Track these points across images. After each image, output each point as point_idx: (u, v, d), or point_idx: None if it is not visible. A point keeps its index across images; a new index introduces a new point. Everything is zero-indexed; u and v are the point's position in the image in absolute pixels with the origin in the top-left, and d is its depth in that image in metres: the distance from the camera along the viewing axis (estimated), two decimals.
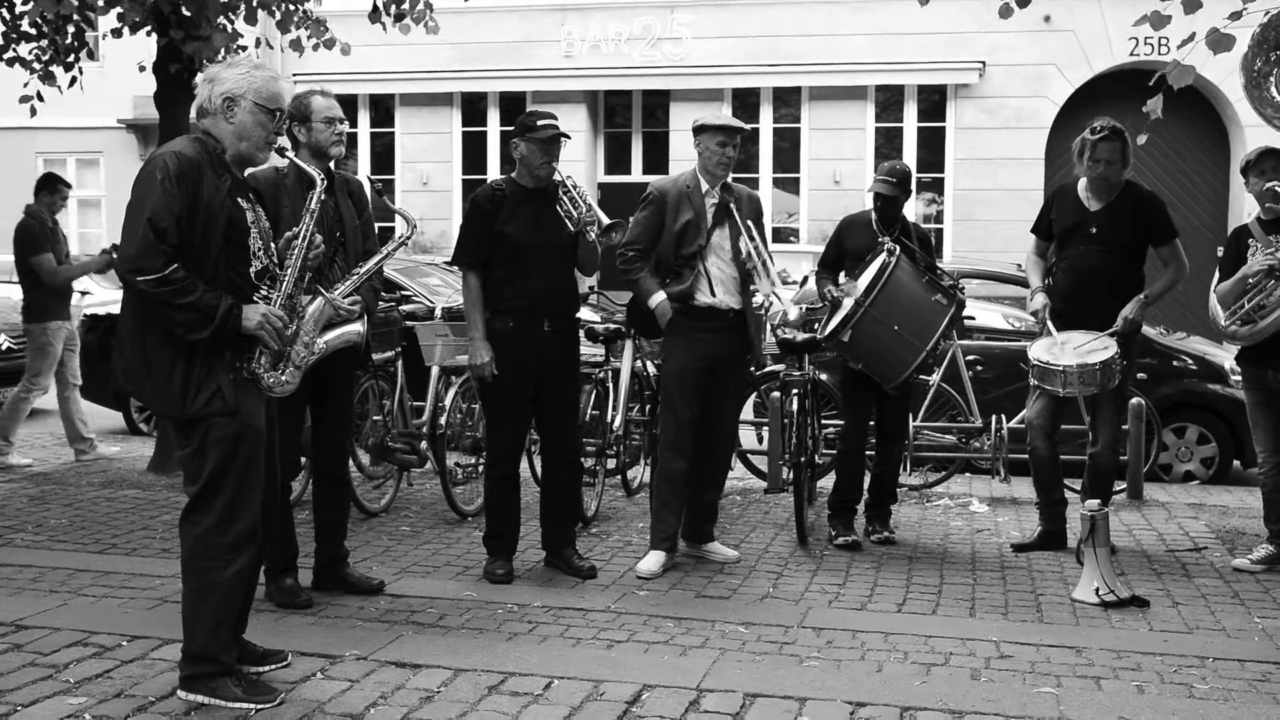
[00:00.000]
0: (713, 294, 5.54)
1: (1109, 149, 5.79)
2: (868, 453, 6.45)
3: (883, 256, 5.83)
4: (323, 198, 4.06)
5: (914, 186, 6.38)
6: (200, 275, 3.63)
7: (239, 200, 3.78)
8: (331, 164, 5.00)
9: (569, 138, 5.48)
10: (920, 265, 5.96)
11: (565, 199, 5.36)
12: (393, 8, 8.47)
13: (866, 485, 6.35)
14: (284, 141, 4.02)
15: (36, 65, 8.47)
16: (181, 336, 3.62)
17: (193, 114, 3.93)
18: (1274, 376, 5.65)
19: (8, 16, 8.24)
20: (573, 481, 5.69)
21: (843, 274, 6.23)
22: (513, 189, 5.34)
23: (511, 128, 5.45)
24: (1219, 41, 5.14)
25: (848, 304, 5.86)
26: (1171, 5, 5.39)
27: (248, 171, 4.06)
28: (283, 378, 3.85)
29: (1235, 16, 5.35)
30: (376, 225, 5.38)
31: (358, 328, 4.75)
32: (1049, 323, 5.91)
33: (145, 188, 3.62)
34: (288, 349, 3.85)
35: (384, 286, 5.56)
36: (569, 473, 5.60)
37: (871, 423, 6.40)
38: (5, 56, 8.41)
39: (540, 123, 5.28)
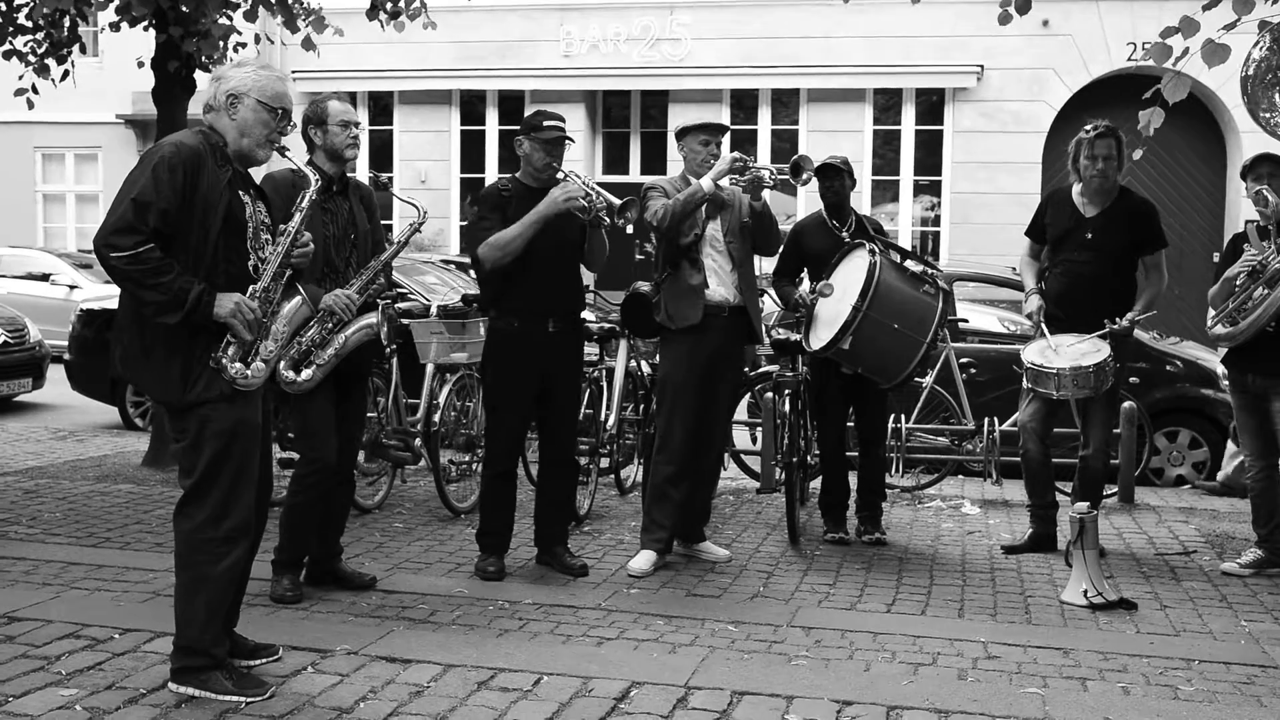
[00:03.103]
0: (707, 284, 5.56)
1: (1106, 145, 5.82)
2: (851, 454, 6.47)
3: (864, 256, 5.83)
4: (314, 198, 4.07)
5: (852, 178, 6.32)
6: (198, 264, 3.65)
7: (239, 193, 3.81)
8: (345, 168, 5.03)
9: (573, 141, 5.46)
10: (893, 258, 5.98)
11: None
12: (389, 5, 8.46)
13: (855, 486, 6.37)
14: (285, 141, 4.03)
15: (32, 58, 8.47)
16: (152, 319, 3.62)
17: (197, 109, 3.96)
18: (1254, 380, 5.67)
19: (4, 9, 8.24)
20: (568, 480, 5.68)
21: (804, 280, 6.24)
22: (517, 189, 5.34)
23: (510, 126, 5.45)
24: (1214, 53, 5.15)
25: (827, 308, 5.86)
26: (1171, 32, 5.40)
27: (265, 172, 4.07)
28: (248, 371, 3.74)
29: (1230, 27, 5.37)
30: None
31: (373, 319, 4.78)
32: (1042, 325, 5.94)
33: (139, 171, 3.66)
34: (258, 342, 3.78)
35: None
36: (564, 471, 5.60)
37: (850, 424, 6.42)
38: (2, 50, 8.41)
39: (546, 123, 5.28)
